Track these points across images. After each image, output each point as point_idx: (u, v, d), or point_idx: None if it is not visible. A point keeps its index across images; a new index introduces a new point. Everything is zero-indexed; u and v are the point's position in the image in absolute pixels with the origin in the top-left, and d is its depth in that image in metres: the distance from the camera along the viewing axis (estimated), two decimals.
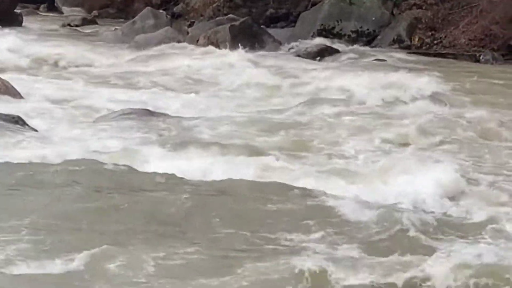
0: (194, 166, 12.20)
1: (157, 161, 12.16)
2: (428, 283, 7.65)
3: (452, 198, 12.14)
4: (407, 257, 8.30)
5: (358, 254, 8.39)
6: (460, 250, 8.39)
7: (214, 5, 25.76)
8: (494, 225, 9.36)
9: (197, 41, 23.23)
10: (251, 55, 21.34)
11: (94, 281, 7.55)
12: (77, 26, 25.86)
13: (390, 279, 7.60)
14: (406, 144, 14.19)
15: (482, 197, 11.10)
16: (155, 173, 11.29)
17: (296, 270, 7.76)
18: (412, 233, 9.28)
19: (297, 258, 8.15)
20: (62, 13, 26.81)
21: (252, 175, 11.51)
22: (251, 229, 10.14)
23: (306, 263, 7.74)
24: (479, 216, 9.76)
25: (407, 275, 7.72)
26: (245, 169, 11.89)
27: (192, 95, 18.12)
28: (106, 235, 8.97)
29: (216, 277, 7.72)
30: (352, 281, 7.74)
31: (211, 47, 21.81)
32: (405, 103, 16.65)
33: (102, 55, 21.79)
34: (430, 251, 8.58)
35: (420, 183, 12.17)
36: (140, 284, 7.59)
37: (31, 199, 9.94)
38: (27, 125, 14.75)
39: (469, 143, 14.68)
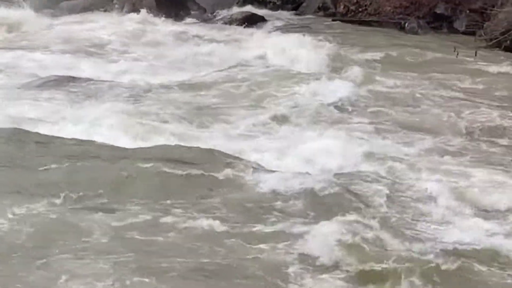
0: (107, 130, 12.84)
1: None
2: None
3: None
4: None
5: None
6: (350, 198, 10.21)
7: None
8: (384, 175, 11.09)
9: (122, 8, 23.15)
10: (172, 23, 21.38)
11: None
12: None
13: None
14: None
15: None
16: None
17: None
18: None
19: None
20: None
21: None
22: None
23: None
24: (377, 169, 11.44)
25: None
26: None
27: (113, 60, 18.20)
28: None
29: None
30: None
31: (135, 15, 21.93)
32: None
33: (24, 22, 21.26)
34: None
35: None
36: None
37: None
38: None
39: (379, 107, 14.92)
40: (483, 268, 9.05)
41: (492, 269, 9.10)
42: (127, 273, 8.93)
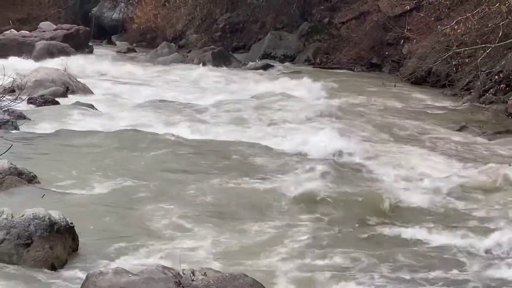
0: (192, 130, 13.80)
1: (164, 127, 13.91)
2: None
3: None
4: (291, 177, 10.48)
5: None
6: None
7: (202, 40, 25.58)
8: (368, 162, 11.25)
9: (193, 61, 23.54)
10: (222, 69, 22.03)
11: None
12: (124, 52, 25.94)
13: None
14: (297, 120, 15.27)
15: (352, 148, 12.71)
16: (164, 134, 12.96)
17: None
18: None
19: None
20: (115, 45, 26.86)
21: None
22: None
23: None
24: (355, 155, 11.94)
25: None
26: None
27: (190, 89, 19.34)
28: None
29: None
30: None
31: (200, 65, 22.27)
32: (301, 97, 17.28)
33: (138, 69, 22.16)
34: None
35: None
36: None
37: (92, 150, 11.50)
38: (95, 108, 15.76)
39: (338, 117, 15.53)
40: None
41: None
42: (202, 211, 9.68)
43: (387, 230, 9.13)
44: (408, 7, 20.86)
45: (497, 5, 13.86)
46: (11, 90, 12.67)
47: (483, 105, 16.87)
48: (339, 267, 7.95)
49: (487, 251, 8.61)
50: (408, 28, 19.91)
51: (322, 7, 24.40)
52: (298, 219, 10.17)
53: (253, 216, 9.36)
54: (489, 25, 14.74)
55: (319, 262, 8.40)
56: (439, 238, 8.98)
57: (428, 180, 11.31)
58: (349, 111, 16.76)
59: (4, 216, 7.77)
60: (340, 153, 13.05)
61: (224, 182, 11.46)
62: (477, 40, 15.07)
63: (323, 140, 13.83)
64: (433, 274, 8.21)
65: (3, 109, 11.16)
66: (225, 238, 8.90)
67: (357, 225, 9.47)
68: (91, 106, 16.12)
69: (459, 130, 14.79)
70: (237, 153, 13.26)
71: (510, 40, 14.51)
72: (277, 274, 7.75)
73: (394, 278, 8.12)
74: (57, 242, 7.81)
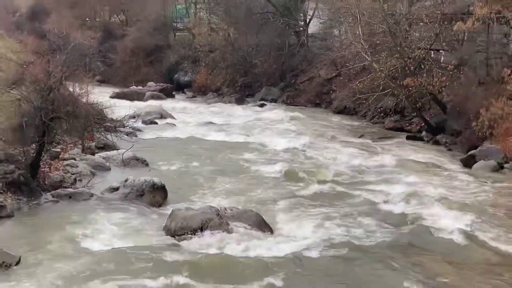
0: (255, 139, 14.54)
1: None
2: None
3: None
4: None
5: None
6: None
7: (230, 91, 25.75)
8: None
9: (225, 102, 24.05)
10: (240, 106, 22.42)
11: None
12: (190, 98, 25.79)
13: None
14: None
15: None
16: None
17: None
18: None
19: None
20: (186, 94, 26.99)
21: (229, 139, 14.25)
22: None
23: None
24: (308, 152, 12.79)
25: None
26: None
27: (224, 116, 19.68)
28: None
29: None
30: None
31: (229, 104, 22.99)
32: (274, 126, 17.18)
33: (197, 106, 22.64)
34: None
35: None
36: None
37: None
38: (175, 125, 18.09)
39: (297, 129, 17.18)
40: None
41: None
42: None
43: (326, 188, 10.61)
44: (334, 74, 22.03)
45: (379, 73, 15.55)
46: (133, 116, 14.52)
47: (373, 124, 18.51)
48: (297, 203, 9.82)
49: (385, 201, 9.87)
50: (334, 85, 20.80)
51: (291, 74, 25.56)
52: (273, 177, 11.76)
53: (255, 179, 11.30)
54: (375, 83, 16.01)
55: (290, 200, 10.08)
56: (354, 191, 10.35)
57: (344, 161, 12.93)
58: (302, 126, 17.87)
59: (130, 181, 9.55)
60: (297, 146, 15.07)
61: (239, 159, 12.98)
62: (369, 91, 16.36)
63: (288, 140, 15.80)
64: (351, 211, 9.39)
65: (129, 126, 12.87)
66: (241, 189, 10.47)
67: (308, 182, 10.99)
68: (173, 124, 17.89)
69: (360, 137, 16.40)
70: (244, 144, 14.91)
71: (386, 91, 16.04)
72: (269, 209, 9.22)
73: (327, 216, 9.12)
74: (157, 193, 9.42)
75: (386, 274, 6.36)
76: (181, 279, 6.10)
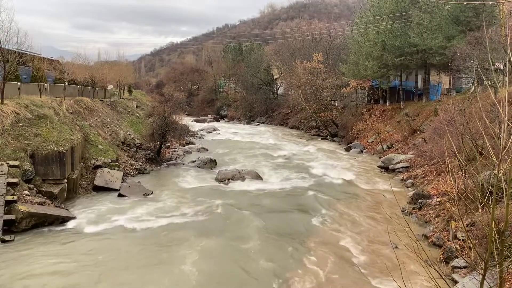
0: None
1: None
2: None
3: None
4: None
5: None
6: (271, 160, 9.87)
7: (241, 116, 26.29)
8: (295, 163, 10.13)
9: (240, 122, 25.10)
10: (248, 125, 22.27)
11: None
12: (226, 122, 25.67)
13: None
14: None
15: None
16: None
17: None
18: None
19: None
20: (224, 120, 25.72)
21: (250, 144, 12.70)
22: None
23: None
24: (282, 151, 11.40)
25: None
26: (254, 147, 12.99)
27: (239, 130, 18.39)
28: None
29: None
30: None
31: (241, 124, 23.23)
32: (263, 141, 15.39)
33: (229, 125, 21.90)
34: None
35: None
36: None
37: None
38: (220, 133, 18.75)
39: (275, 136, 16.84)
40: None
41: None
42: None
43: (284, 160, 11.10)
44: (289, 111, 21.64)
45: (309, 110, 15.20)
46: (201, 129, 15.50)
47: (306, 133, 18.97)
48: (272, 166, 10.61)
49: (310, 166, 10.20)
50: (289, 116, 21.57)
51: (270, 111, 26.06)
52: (261, 154, 12.06)
53: (254, 156, 11.93)
54: (307, 115, 16.05)
55: (270, 165, 10.73)
56: (297, 161, 10.93)
57: (292, 148, 13.28)
58: (274, 133, 18.75)
59: (200, 157, 10.78)
60: (272, 142, 14.91)
61: (247, 148, 13.44)
62: (305, 119, 16.97)
63: (267, 139, 16.14)
64: (298, 170, 9.86)
65: (199, 134, 13.61)
66: (247, 161, 11.18)
67: (277, 157, 11.87)
68: (219, 133, 19.24)
69: (300, 139, 17.23)
70: (249, 142, 15.19)
71: (312, 118, 16.71)
72: (260, 169, 10.28)
73: (298, 177, 9.29)
74: (212, 163, 10.90)
75: (310, 195, 7.53)
76: (223, 199, 7.32)
